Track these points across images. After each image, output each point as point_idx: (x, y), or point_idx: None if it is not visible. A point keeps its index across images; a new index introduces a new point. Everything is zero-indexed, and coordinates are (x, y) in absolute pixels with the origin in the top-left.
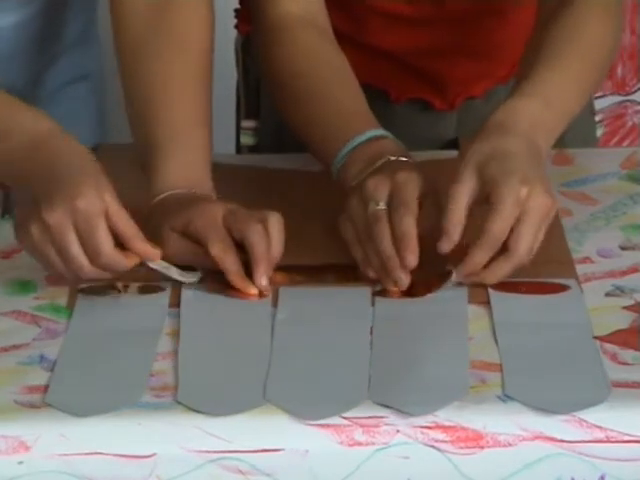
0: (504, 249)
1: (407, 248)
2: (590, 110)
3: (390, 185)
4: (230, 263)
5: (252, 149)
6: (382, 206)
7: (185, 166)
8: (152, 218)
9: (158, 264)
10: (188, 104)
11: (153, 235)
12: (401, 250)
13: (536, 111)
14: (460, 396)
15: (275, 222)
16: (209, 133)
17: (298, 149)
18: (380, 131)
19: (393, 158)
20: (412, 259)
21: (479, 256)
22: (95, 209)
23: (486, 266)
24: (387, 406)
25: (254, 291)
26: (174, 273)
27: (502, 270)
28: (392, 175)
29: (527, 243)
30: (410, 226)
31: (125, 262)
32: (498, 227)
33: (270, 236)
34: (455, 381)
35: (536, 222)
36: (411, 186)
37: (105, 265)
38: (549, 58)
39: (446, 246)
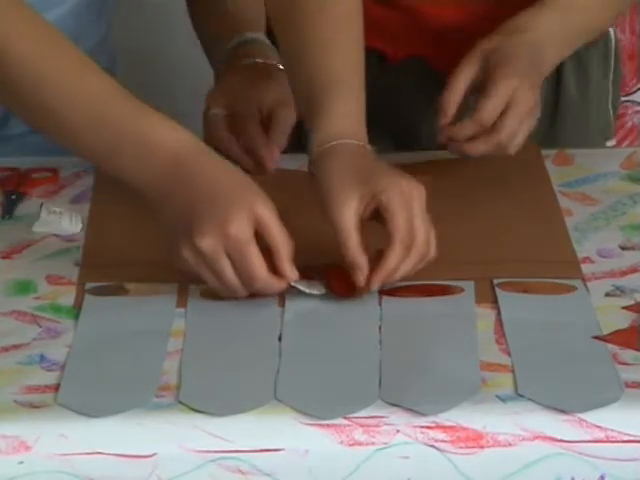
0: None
1: None
2: (601, 134)
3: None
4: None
5: None
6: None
7: (350, 118)
8: (320, 167)
9: (298, 283)
10: (342, 54)
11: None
12: None
13: (554, 23)
14: (472, 395)
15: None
16: (363, 90)
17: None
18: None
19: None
20: None
21: (467, 127)
22: (246, 236)
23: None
24: (398, 405)
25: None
26: (309, 289)
27: (482, 145)
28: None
29: (510, 127)
30: None
31: (278, 285)
32: (489, 108)
33: None
34: (466, 379)
35: (520, 113)
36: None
37: (259, 290)
38: None
39: (443, 120)
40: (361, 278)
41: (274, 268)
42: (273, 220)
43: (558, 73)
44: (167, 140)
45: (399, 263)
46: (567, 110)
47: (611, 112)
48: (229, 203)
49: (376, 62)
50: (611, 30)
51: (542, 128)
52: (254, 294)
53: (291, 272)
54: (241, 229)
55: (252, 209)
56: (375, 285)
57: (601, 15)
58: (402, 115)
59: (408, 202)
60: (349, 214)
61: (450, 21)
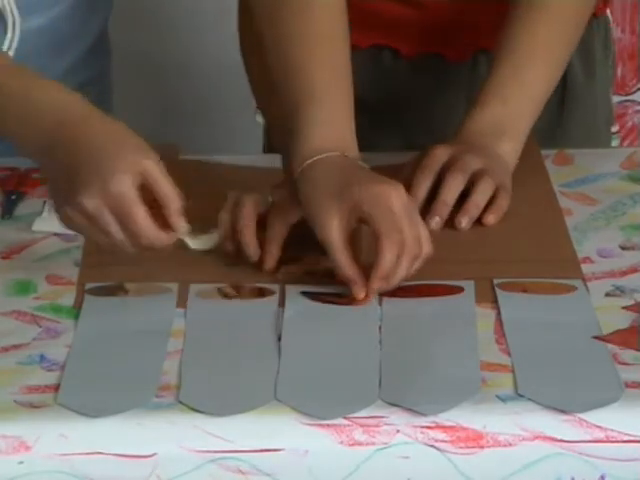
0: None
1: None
2: (607, 121)
3: None
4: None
5: (265, 128)
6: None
7: (332, 127)
8: (302, 186)
9: (187, 237)
10: (324, 59)
11: (304, 205)
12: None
13: (496, 117)
14: (472, 395)
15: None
16: (350, 93)
17: None
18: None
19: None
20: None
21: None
22: (127, 191)
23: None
24: (398, 405)
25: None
26: (197, 244)
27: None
28: None
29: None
30: None
31: (167, 239)
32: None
33: None
34: (466, 379)
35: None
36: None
37: (147, 245)
38: (509, 55)
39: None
40: (358, 291)
41: (164, 222)
42: (159, 174)
43: None
44: (52, 101)
45: (392, 267)
46: (574, 99)
47: (611, 97)
48: (112, 160)
49: (389, 58)
50: (608, 12)
51: (550, 119)
52: (145, 248)
53: (180, 225)
54: (122, 185)
55: (136, 164)
56: (372, 293)
57: (541, 89)
58: (416, 110)
59: (386, 205)
60: (334, 232)
61: (462, 15)
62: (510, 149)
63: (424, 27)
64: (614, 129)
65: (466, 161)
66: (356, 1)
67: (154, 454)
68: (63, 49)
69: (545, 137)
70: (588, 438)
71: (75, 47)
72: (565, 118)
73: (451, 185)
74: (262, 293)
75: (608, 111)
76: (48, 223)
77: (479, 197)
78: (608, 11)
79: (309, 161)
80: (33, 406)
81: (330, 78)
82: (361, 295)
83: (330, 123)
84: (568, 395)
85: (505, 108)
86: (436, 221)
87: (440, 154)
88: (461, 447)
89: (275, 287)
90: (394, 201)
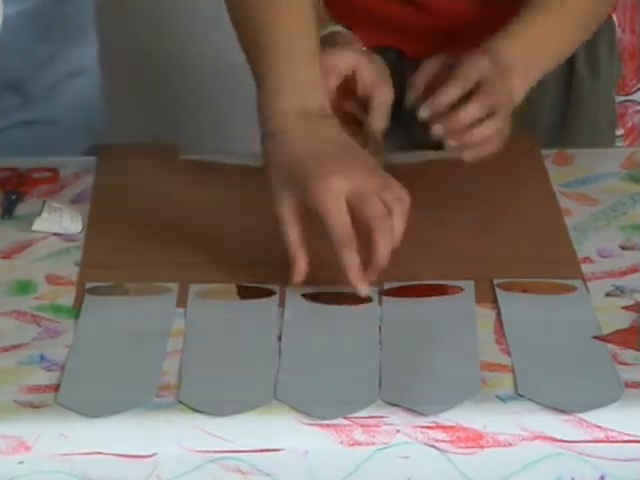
0: None
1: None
2: (609, 122)
3: None
4: (350, 257)
5: None
6: None
7: (289, 78)
8: (265, 150)
9: None
10: (287, 18)
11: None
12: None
13: (511, 52)
14: (472, 395)
15: (399, 217)
16: (313, 43)
17: None
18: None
19: None
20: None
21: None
22: None
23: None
24: (398, 405)
25: (364, 292)
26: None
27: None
28: None
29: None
30: None
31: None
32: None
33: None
34: (466, 379)
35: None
36: None
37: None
38: (538, 6)
39: (412, 95)
40: (293, 273)
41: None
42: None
43: (570, 64)
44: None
45: (353, 256)
46: (579, 100)
47: (614, 99)
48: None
49: (393, 59)
50: (614, 17)
51: (554, 120)
52: None
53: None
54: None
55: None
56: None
57: (561, 41)
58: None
59: (337, 197)
60: (285, 210)
61: (466, 17)
62: (517, 85)
63: (428, 29)
64: (619, 132)
65: (491, 94)
66: (360, 2)
67: (154, 454)
68: (48, 35)
69: (549, 138)
70: (588, 438)
71: (58, 37)
72: (569, 119)
73: (471, 110)
74: (262, 293)
75: (611, 113)
76: (48, 223)
77: (486, 131)
78: (613, 14)
79: (266, 128)
80: (33, 406)
81: (287, 32)
82: (296, 279)
83: (286, 77)
84: (568, 395)
85: (521, 46)
86: (428, 113)
87: (479, 70)
88: (461, 447)
89: (275, 287)
90: (341, 190)
